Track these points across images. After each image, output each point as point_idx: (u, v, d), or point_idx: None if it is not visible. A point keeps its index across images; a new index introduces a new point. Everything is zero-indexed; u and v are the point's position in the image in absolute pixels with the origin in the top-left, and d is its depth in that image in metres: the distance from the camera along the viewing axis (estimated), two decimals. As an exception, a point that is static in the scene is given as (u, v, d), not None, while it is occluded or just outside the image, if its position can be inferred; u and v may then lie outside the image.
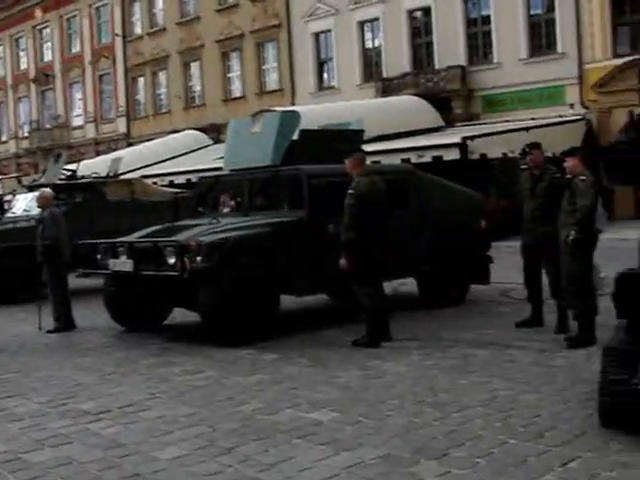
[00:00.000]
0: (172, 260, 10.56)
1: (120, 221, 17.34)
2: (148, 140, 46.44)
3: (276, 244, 11.09)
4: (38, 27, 61.40)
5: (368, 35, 40.22)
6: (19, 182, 29.65)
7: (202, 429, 6.96)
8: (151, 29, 51.72)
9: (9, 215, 19.31)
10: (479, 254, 13.29)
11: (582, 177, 9.49)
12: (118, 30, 53.74)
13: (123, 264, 11.41)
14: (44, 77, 60.17)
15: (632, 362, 6.29)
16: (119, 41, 53.93)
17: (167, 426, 7.09)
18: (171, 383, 8.77)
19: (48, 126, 60.58)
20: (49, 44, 60.76)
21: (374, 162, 20.06)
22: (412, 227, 12.34)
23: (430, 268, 12.69)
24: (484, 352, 9.49)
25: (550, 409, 7.00)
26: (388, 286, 13.03)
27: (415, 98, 34.87)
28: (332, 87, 41.38)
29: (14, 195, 21.85)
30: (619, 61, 30.32)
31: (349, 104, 32.78)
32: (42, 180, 20.66)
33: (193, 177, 31.24)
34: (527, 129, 27.42)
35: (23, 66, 63.80)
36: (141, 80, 53.25)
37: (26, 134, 62.34)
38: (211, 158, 32.82)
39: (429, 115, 34.21)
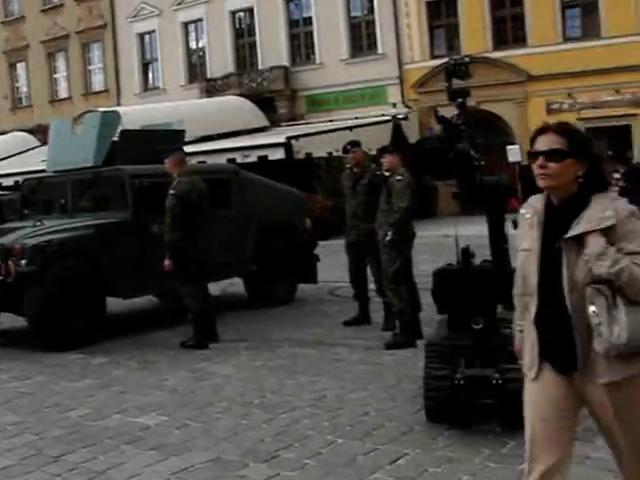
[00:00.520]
0: (-3, 264, 10.21)
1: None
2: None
3: (100, 246, 10.89)
4: None
5: (192, 36, 39.96)
6: None
7: (29, 437, 6.74)
8: (-27, 28, 49.68)
9: None
10: (305, 253, 13.32)
11: (398, 177, 9.51)
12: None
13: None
14: None
15: (453, 357, 6.37)
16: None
17: (-9, 437, 6.81)
18: (-4, 391, 8.45)
19: None
20: None
21: (200, 162, 19.91)
22: (237, 227, 12.27)
23: (257, 268, 12.64)
24: (312, 351, 9.52)
25: (378, 407, 7.04)
26: (216, 286, 12.95)
27: (239, 98, 34.83)
28: (157, 88, 40.93)
29: None
30: (436, 62, 31.16)
31: (173, 105, 32.46)
32: None
33: (21, 179, 30.17)
34: (350, 128, 27.73)
35: None
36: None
37: None
38: (39, 160, 31.82)
39: (254, 115, 34.24)
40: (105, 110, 16.19)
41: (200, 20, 39.02)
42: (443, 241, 17.19)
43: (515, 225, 4.10)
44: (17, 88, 48.00)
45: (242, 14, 38.11)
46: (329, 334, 10.46)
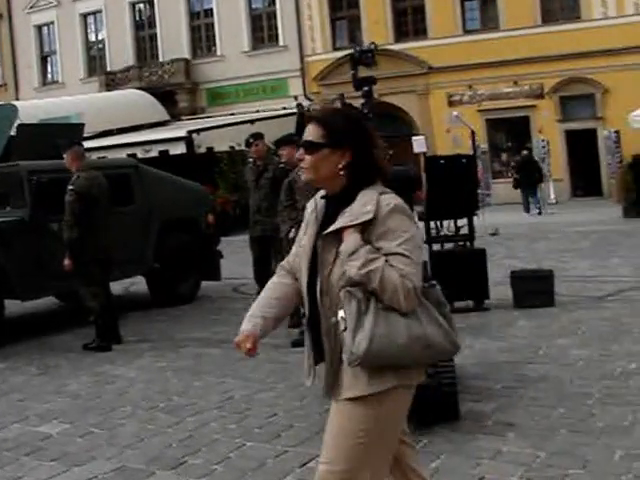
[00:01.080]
0: None
1: None
2: None
3: (-3, 245, 10.51)
4: None
5: (92, 28, 39.30)
6: None
7: None
8: None
9: None
10: (208, 250, 13.14)
11: (301, 172, 9.35)
12: None
13: None
14: None
15: None
16: None
17: None
18: None
19: None
20: None
21: (100, 158, 19.49)
22: (139, 224, 12.01)
23: (160, 265, 12.39)
24: (217, 351, 9.34)
25: (286, 407, 6.91)
26: (118, 286, 12.67)
27: (140, 92, 34.40)
28: (56, 82, 40.23)
29: None
30: (338, 54, 31.20)
31: (72, 99, 31.85)
32: None
33: None
34: (252, 121, 27.60)
35: None
36: None
37: None
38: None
39: (154, 109, 33.82)
40: (1, 104, 15.78)
41: (99, 11, 38.44)
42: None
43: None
44: None
45: (142, 5, 37.68)
46: (235, 333, 10.15)
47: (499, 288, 11.08)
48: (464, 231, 10.74)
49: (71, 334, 10.87)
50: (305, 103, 31.95)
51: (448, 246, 10.89)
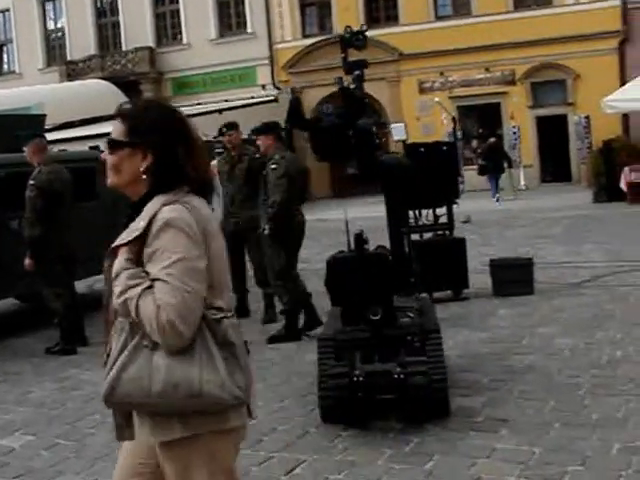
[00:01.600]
0: None
1: None
2: None
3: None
4: None
5: (50, 15, 38.71)
6: None
7: None
8: None
9: None
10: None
11: (273, 165, 8.91)
12: None
13: None
14: None
15: (350, 352, 6.06)
16: None
17: None
18: None
19: None
20: None
21: (61, 151, 19.00)
22: (104, 219, 11.55)
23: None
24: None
25: (266, 409, 6.55)
26: (83, 284, 12.33)
27: (102, 82, 33.82)
28: (13, 72, 39.71)
29: None
30: (308, 41, 30.91)
31: (31, 89, 31.29)
32: None
33: None
34: (220, 111, 27.37)
35: None
36: None
37: None
38: None
39: (117, 100, 33.03)
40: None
41: (59, -2, 37.83)
42: (318, 225, 16.88)
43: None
44: None
45: (104, -8, 37.15)
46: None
47: (477, 276, 11.06)
48: (442, 220, 10.70)
49: (33, 337, 10.48)
50: (272, 92, 31.67)
51: (427, 235, 10.84)
